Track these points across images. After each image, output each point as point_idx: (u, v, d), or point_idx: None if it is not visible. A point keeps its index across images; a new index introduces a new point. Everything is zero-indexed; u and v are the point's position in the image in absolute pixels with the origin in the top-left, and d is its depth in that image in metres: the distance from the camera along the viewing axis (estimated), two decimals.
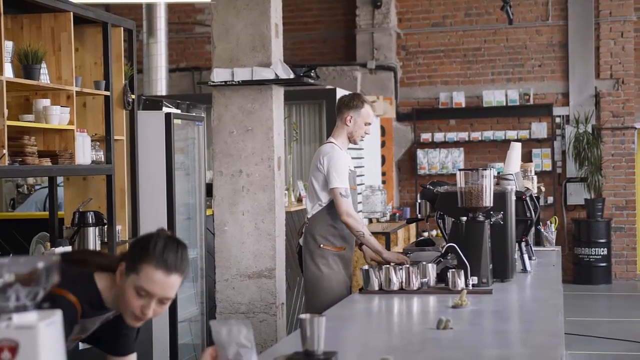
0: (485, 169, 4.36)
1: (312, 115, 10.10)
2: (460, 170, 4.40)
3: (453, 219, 4.47)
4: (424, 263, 4.32)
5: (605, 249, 12.16)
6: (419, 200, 5.11)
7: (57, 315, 1.74)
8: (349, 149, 5.39)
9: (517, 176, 5.26)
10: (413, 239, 10.65)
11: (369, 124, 5.30)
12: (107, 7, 12.39)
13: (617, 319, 9.91)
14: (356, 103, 5.25)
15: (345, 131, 5.25)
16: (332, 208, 5.13)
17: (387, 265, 4.29)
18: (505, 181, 5.00)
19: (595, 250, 12.14)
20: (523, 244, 5.03)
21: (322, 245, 5.16)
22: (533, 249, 5.63)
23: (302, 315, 2.70)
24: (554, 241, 6.39)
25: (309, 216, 5.26)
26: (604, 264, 12.17)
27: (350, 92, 5.55)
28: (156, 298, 2.57)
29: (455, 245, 4.27)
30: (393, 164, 12.69)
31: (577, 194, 12.49)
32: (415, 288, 4.19)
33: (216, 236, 5.67)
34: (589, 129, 12.28)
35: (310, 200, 5.26)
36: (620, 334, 8.79)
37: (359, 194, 9.87)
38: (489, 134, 12.65)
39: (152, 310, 2.59)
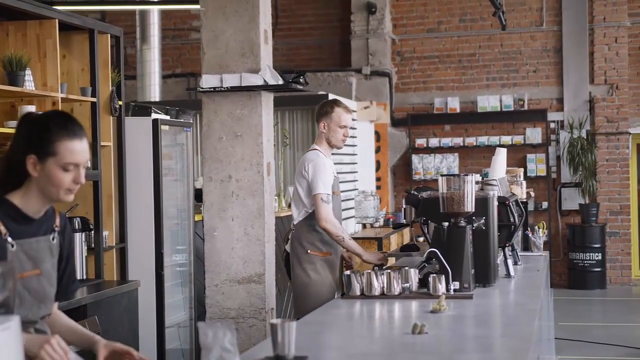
0: (467, 175, 4.38)
1: (305, 121, 10.12)
2: (442, 175, 4.42)
3: (435, 224, 4.49)
4: (406, 268, 4.33)
5: (600, 254, 12.16)
6: (404, 206, 5.13)
7: (13, 321, 1.76)
8: (333, 154, 5.43)
9: (502, 181, 5.27)
10: None
11: (344, 126, 5.33)
12: (103, 14, 12.44)
13: (611, 324, 9.91)
14: (326, 109, 5.34)
15: (324, 137, 5.33)
16: None
17: (369, 271, 4.31)
18: (489, 186, 5.01)
19: (589, 255, 12.14)
20: (507, 249, 5.03)
21: (309, 251, 5.21)
22: (520, 254, 5.63)
23: (273, 320, 2.73)
24: (542, 246, 6.40)
25: (294, 222, 5.33)
26: (598, 269, 12.18)
27: (325, 100, 5.62)
28: (81, 165, 2.71)
29: (436, 251, 4.28)
30: (388, 169, 12.70)
31: (571, 199, 12.49)
32: (396, 293, 4.20)
33: (206, 241, 5.69)
34: (584, 134, 12.29)
35: (296, 207, 5.33)
36: (613, 339, 8.79)
37: (350, 199, 9.91)
38: (483, 140, 12.67)
39: (82, 176, 2.71)
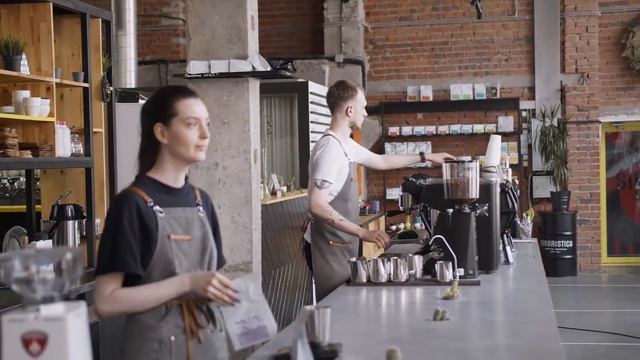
0: (471, 161, 4.38)
1: (284, 108, 10.06)
2: (446, 162, 4.40)
3: (439, 211, 4.48)
4: (411, 255, 4.33)
5: (571, 241, 12.30)
6: (400, 193, 5.11)
7: (82, 307, 1.72)
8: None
9: (497, 168, 5.29)
10: None
11: (365, 106, 5.37)
12: None
13: (582, 310, 10.03)
14: (351, 92, 5.26)
15: (346, 122, 5.27)
16: (336, 202, 5.07)
17: (376, 258, 4.29)
18: (488, 173, 5.02)
19: (560, 243, 12.27)
20: (505, 235, 5.05)
21: (331, 242, 5.09)
22: (512, 241, 5.66)
23: (308, 307, 2.69)
24: (530, 233, 6.45)
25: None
26: (569, 256, 12.32)
27: (336, 82, 5.50)
28: (202, 120, 2.84)
29: (442, 237, 4.27)
30: None
31: (543, 187, 12.61)
32: (403, 280, 4.19)
33: None
34: (555, 123, 12.40)
35: None
36: (585, 325, 8.91)
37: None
38: (456, 128, 12.72)
39: (207, 131, 2.84)
